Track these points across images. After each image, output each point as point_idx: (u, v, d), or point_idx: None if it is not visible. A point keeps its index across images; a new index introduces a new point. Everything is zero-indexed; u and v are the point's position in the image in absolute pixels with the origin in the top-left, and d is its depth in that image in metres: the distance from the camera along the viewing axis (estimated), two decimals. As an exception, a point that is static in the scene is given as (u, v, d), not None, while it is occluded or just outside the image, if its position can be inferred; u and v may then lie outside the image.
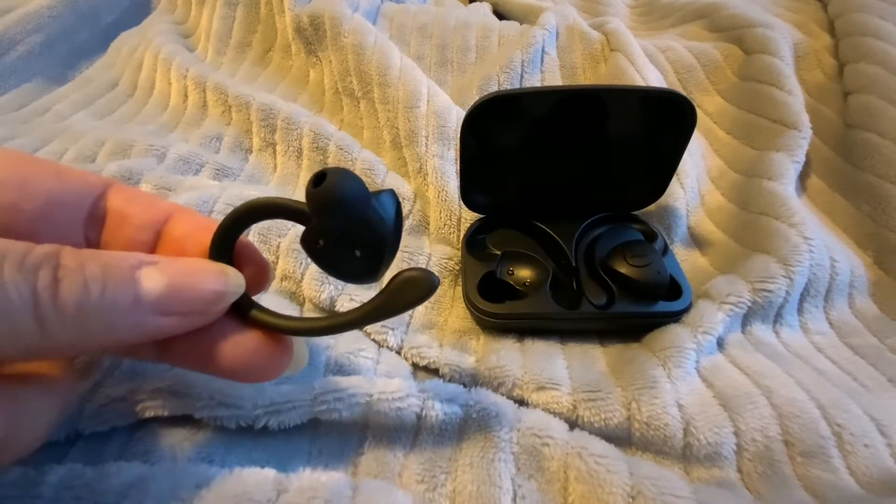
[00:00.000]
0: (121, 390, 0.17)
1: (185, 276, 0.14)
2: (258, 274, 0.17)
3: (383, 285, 0.15)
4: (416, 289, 0.15)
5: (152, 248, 0.16)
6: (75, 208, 0.15)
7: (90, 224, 0.16)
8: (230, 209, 0.25)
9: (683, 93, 0.24)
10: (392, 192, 0.15)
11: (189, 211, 0.17)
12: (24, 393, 0.13)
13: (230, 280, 0.15)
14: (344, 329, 0.16)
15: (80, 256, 0.12)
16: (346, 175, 0.13)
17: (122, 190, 0.16)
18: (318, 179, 0.13)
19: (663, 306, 0.23)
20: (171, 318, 0.14)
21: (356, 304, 0.23)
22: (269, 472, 0.16)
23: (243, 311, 0.16)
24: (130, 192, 0.16)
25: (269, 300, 0.23)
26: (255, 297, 0.16)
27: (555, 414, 0.20)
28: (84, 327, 0.12)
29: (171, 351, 0.16)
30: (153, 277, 0.13)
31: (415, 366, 0.22)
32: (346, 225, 0.14)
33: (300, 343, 0.17)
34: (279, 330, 0.16)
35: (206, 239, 0.16)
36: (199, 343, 0.15)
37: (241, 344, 0.15)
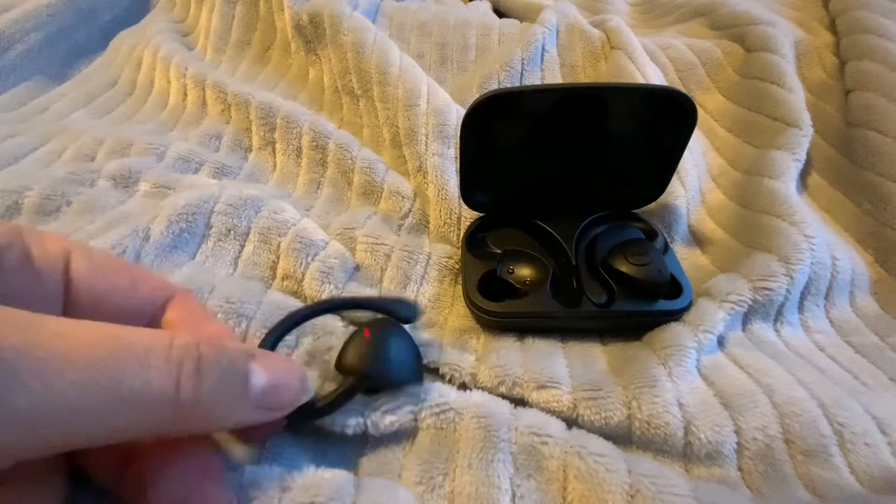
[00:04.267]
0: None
1: (280, 374, 0.15)
2: None
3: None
4: None
5: None
6: (136, 321, 0.16)
7: None
8: (230, 209, 0.25)
9: (684, 91, 0.24)
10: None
11: (231, 336, 0.18)
12: (13, 493, 0.13)
13: (308, 384, 0.16)
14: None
15: (215, 349, 0.13)
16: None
17: (181, 306, 0.17)
18: None
19: (664, 305, 0.23)
20: (261, 413, 0.14)
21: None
22: (274, 470, 0.16)
23: None
24: (187, 310, 0.17)
25: (273, 296, 0.23)
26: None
27: (555, 413, 0.20)
28: (207, 416, 0.13)
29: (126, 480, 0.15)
30: (259, 373, 0.14)
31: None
32: None
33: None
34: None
35: None
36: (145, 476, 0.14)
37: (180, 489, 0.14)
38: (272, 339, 0.18)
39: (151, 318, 0.17)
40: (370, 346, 0.18)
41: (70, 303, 0.15)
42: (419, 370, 0.20)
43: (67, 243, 0.16)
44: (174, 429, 0.13)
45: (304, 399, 0.16)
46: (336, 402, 0.17)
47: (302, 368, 0.16)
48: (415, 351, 0.20)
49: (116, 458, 0.15)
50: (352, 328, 0.20)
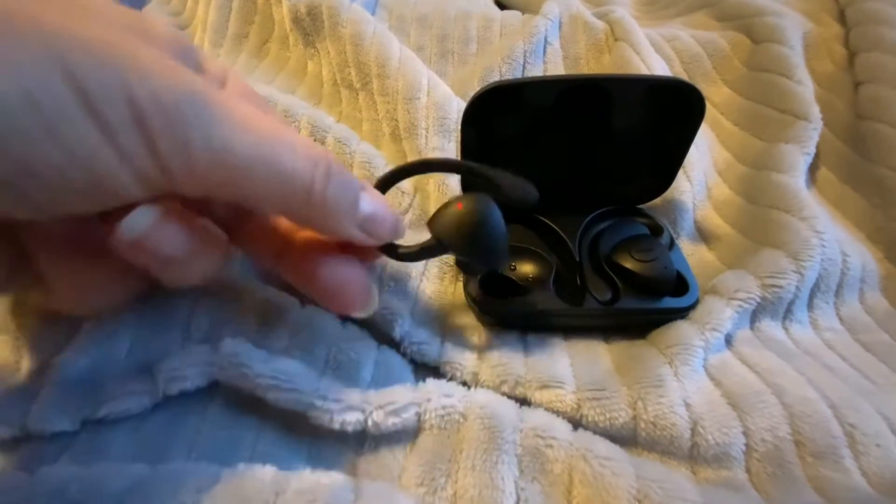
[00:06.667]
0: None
1: (381, 209, 0.18)
2: None
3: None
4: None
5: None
6: None
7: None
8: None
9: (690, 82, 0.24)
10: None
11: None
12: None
13: (400, 227, 0.19)
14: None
15: (340, 164, 0.16)
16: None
17: None
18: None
19: (669, 302, 0.23)
20: (362, 235, 0.17)
21: None
22: (268, 472, 0.15)
23: None
24: None
25: (271, 291, 0.23)
26: None
27: (558, 413, 0.19)
28: (325, 217, 0.16)
29: (286, 264, 0.19)
30: (367, 200, 0.17)
31: (414, 362, 0.22)
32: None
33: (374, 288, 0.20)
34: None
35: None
36: (308, 263, 0.18)
37: (340, 272, 0.18)
38: (383, 183, 0.20)
39: None
40: (457, 219, 0.18)
41: None
42: (498, 255, 0.20)
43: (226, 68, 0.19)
44: (300, 217, 0.16)
45: (396, 238, 0.19)
46: (415, 255, 0.19)
47: (398, 215, 0.19)
48: (500, 235, 0.19)
49: (277, 247, 0.19)
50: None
